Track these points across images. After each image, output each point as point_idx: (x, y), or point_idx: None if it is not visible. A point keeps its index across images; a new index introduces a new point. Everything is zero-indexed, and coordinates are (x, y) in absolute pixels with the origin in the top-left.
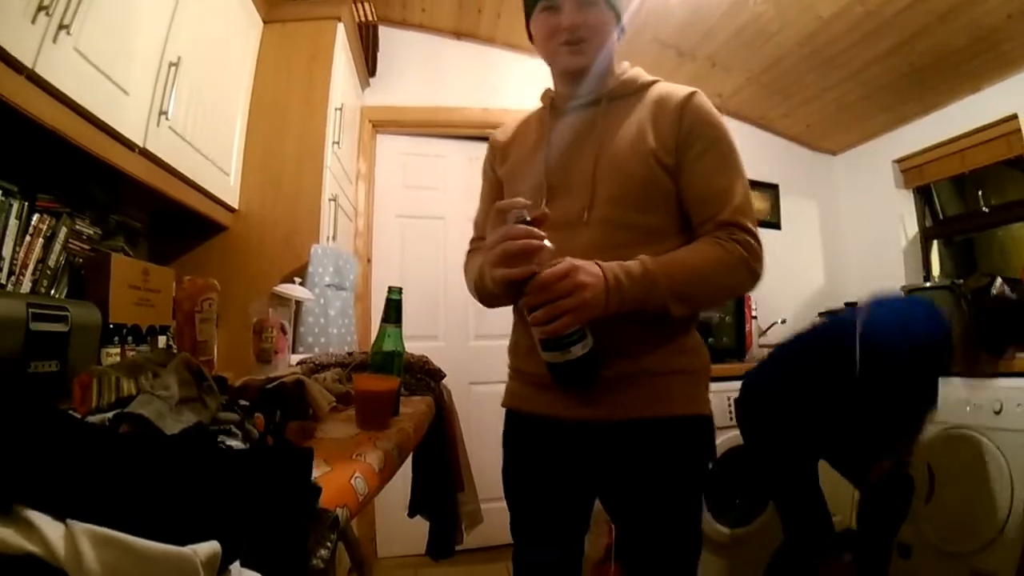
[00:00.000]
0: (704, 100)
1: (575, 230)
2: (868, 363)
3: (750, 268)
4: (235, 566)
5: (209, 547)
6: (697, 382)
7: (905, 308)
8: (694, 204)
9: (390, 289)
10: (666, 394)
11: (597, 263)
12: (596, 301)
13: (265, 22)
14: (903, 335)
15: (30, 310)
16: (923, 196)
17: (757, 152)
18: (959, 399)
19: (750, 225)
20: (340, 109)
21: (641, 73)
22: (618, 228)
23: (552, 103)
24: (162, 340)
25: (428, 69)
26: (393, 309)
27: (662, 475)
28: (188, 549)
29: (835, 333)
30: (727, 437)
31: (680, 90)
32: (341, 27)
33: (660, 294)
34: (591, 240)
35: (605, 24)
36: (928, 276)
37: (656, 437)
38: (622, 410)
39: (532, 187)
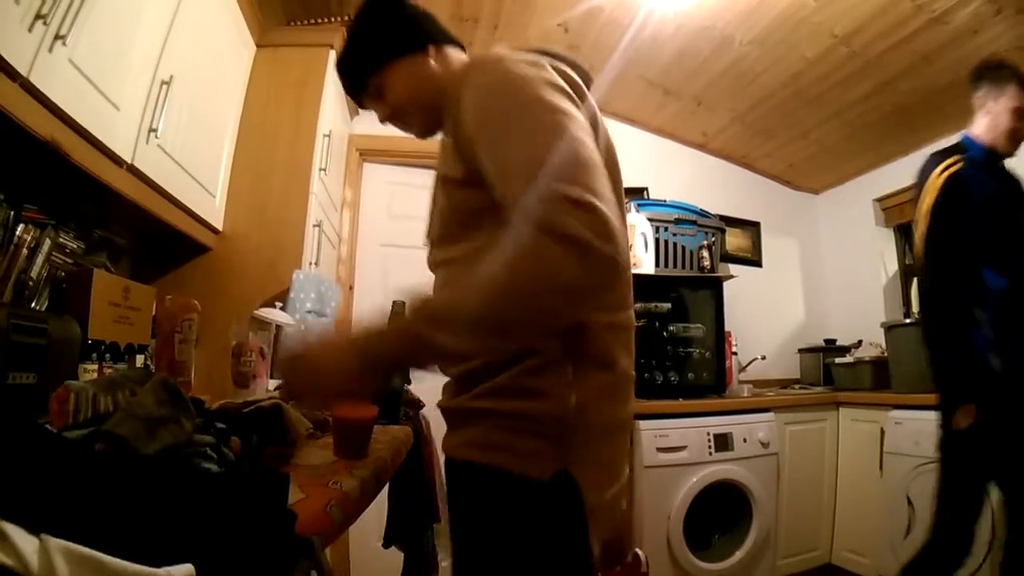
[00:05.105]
0: (480, 79)
1: (431, 278)
2: None
3: (559, 237)
4: None
5: (184, 570)
6: (503, 428)
7: None
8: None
9: (394, 303)
10: (466, 436)
11: (355, 333)
12: (341, 378)
13: (258, 46)
14: None
15: (11, 320)
16: (903, 234)
17: (739, 191)
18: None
19: (526, 184)
20: (328, 136)
21: (469, 66)
22: (445, 266)
23: None
24: (140, 359)
25: None
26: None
27: (455, 523)
28: (163, 571)
29: None
30: (708, 472)
31: (459, 90)
32: (333, 55)
33: (417, 333)
34: (432, 285)
35: (398, 90)
36: (908, 312)
37: (453, 480)
38: (446, 443)
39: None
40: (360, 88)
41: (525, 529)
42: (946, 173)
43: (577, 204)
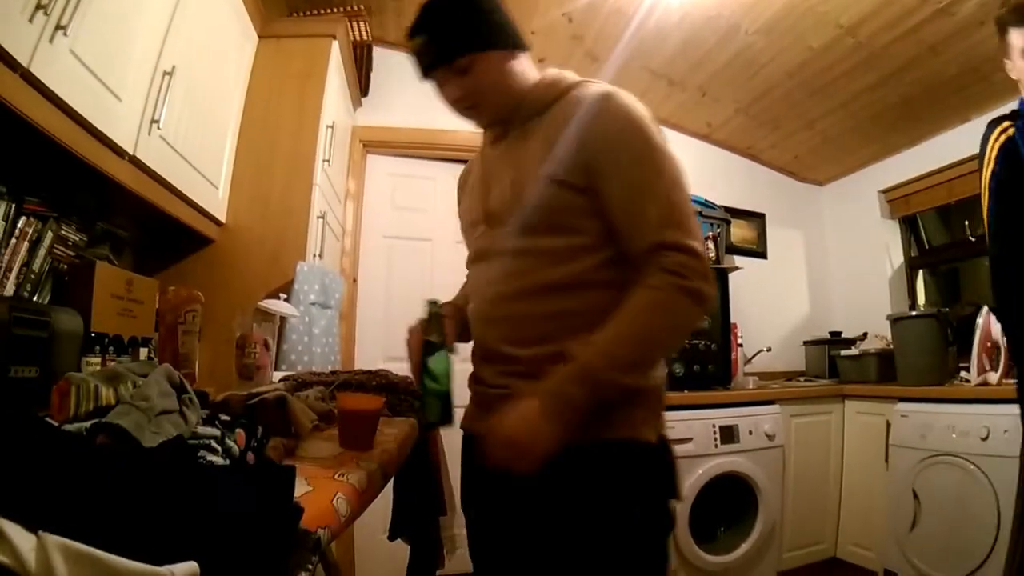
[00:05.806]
0: (612, 110)
1: (492, 261)
2: None
3: (688, 292)
4: None
5: (187, 568)
6: (618, 404)
7: None
8: (620, 239)
9: (428, 303)
10: None
11: (539, 395)
12: (548, 442)
13: (260, 37)
14: None
15: (12, 314)
16: (909, 226)
17: (744, 182)
18: (945, 426)
19: (676, 239)
20: (331, 127)
21: (556, 82)
22: (525, 255)
23: (486, 134)
24: (143, 352)
25: (421, 91)
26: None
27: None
28: (165, 569)
29: None
30: (713, 464)
31: (587, 101)
32: (336, 45)
33: (607, 380)
34: (503, 268)
35: (485, 79)
36: (913, 305)
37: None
38: None
39: (471, 222)
40: (446, 60)
41: (649, 485)
42: (1000, 140)
43: (693, 254)
